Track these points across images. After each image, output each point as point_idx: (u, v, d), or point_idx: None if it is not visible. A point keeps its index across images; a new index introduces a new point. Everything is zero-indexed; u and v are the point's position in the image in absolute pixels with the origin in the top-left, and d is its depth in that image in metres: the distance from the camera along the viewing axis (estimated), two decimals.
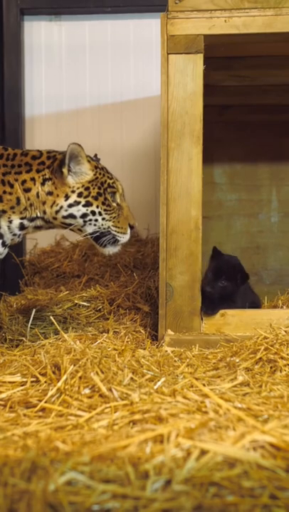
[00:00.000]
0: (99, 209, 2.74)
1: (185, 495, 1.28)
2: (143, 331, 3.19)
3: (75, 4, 4.98)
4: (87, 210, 2.73)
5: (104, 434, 1.70)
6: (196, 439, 1.55)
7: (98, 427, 1.78)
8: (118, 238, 2.82)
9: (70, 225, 2.76)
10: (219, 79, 3.81)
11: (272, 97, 4.27)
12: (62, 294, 3.76)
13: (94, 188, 2.74)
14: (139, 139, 5.02)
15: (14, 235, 2.76)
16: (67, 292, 3.82)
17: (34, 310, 3.30)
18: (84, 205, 2.73)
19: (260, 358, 2.53)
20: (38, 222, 2.77)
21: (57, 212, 2.72)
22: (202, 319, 3.10)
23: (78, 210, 2.72)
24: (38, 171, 2.73)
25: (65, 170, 2.70)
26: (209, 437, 1.57)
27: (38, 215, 2.74)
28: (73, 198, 2.72)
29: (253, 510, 1.23)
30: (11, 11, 4.92)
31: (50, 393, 2.07)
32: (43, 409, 2.01)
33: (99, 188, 2.76)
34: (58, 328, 2.83)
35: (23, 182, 2.72)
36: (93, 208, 2.74)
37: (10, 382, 2.27)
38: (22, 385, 2.23)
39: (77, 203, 2.72)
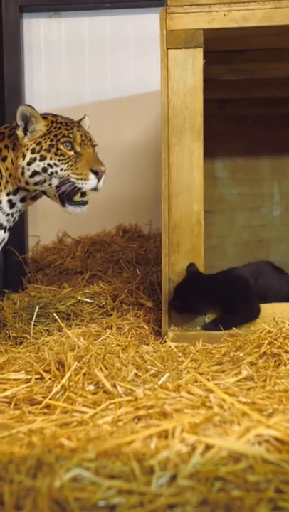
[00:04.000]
0: (53, 160, 2.78)
1: (190, 490, 1.28)
2: (146, 327, 3.19)
3: (74, 0, 4.97)
4: (44, 163, 2.79)
5: (109, 430, 1.70)
6: (200, 434, 1.55)
7: (103, 423, 1.78)
8: (78, 185, 2.79)
9: (42, 182, 2.80)
10: (219, 73, 3.79)
11: (273, 90, 4.26)
12: (65, 291, 3.76)
13: (46, 142, 2.81)
14: (139, 135, 5.01)
15: (7, 215, 2.86)
16: (70, 289, 3.82)
17: (37, 307, 3.30)
18: (40, 160, 2.79)
19: (264, 352, 2.53)
20: (22, 193, 2.86)
21: (22, 174, 2.81)
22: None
23: (38, 166, 2.79)
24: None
25: (18, 131, 2.81)
26: (214, 432, 1.57)
27: (19, 184, 2.83)
28: (28, 155, 2.80)
29: (258, 504, 1.23)
30: (10, 8, 4.91)
31: (54, 390, 2.08)
32: (47, 406, 2.01)
33: (51, 141, 2.81)
34: (62, 324, 2.84)
35: None
36: (48, 160, 2.79)
37: (14, 380, 2.27)
38: (26, 382, 2.23)
39: (34, 159, 2.79)
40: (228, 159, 4.80)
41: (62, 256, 4.55)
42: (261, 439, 1.52)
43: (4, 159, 2.81)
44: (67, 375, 2.14)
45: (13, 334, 3.08)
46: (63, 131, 2.84)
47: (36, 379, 2.25)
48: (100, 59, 5.03)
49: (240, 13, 3.01)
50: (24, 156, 2.79)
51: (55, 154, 2.79)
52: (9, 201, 2.83)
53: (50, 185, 2.80)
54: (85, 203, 2.84)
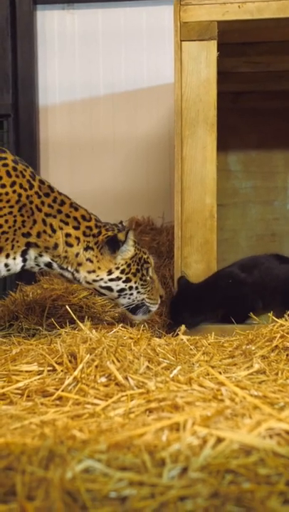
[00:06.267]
0: (136, 284, 2.86)
1: (201, 482, 1.28)
2: (158, 320, 3.19)
3: None
4: (125, 285, 2.85)
5: (121, 422, 1.71)
6: (212, 426, 1.55)
7: (115, 416, 1.79)
8: (150, 308, 2.94)
9: (103, 294, 2.89)
10: (233, 65, 3.78)
11: (287, 83, 4.24)
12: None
13: (134, 265, 2.85)
14: (153, 127, 5.00)
15: (37, 265, 2.83)
16: None
17: (50, 299, 3.31)
18: (124, 281, 2.84)
19: (276, 346, 2.52)
20: (66, 274, 2.84)
21: (94, 281, 2.82)
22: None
23: (117, 285, 2.84)
24: (84, 234, 2.80)
25: (118, 252, 2.80)
26: (225, 425, 1.57)
27: (69, 269, 2.81)
28: (116, 273, 2.82)
29: (269, 497, 1.23)
30: (23, 0, 4.91)
31: (66, 382, 2.09)
32: (59, 398, 2.02)
33: (137, 264, 2.87)
34: (74, 317, 2.85)
35: (67, 235, 2.77)
36: (131, 283, 2.85)
37: (27, 372, 2.28)
38: (39, 374, 2.24)
39: (119, 278, 2.83)
40: (242, 152, 4.78)
41: None
42: (272, 432, 1.52)
43: (69, 245, 2.77)
44: (80, 367, 2.15)
45: (26, 326, 3.09)
46: (143, 255, 2.91)
47: (49, 371, 2.26)
48: (114, 51, 5.03)
49: (255, 5, 2.99)
50: (110, 272, 2.82)
51: (140, 279, 2.87)
52: (50, 263, 2.81)
53: (112, 300, 2.94)
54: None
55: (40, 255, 2.78)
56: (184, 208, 3.07)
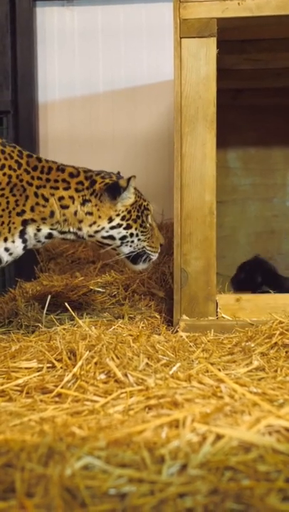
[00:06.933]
0: (137, 231, 2.88)
1: (201, 479, 1.29)
2: (158, 317, 3.19)
3: None
4: (126, 232, 2.86)
5: (120, 419, 1.71)
6: (211, 423, 1.55)
7: (114, 412, 1.79)
8: (151, 256, 2.97)
9: (107, 244, 2.89)
10: (233, 62, 3.77)
11: (287, 80, 4.23)
12: (77, 280, 3.77)
13: (134, 211, 2.87)
14: (152, 124, 5.00)
15: (39, 241, 2.83)
16: (83, 278, 3.83)
17: (49, 296, 3.31)
18: (125, 228, 2.85)
19: (276, 343, 2.53)
20: (69, 236, 2.85)
21: (96, 232, 2.82)
22: (217, 304, 3.10)
23: (119, 233, 2.85)
24: (77, 191, 2.80)
25: (119, 198, 2.81)
26: (225, 422, 1.57)
27: (71, 230, 2.81)
28: (116, 220, 2.83)
29: (268, 494, 1.24)
30: None
31: (66, 379, 2.09)
32: (59, 395, 2.02)
33: (138, 211, 2.89)
34: (73, 314, 2.85)
35: (60, 198, 2.77)
36: (132, 230, 2.87)
37: (26, 368, 2.28)
38: (38, 371, 2.24)
39: (119, 225, 2.84)
40: (241, 149, 4.78)
41: (75, 245, 4.56)
42: (272, 429, 1.52)
43: (65, 207, 2.77)
44: (79, 364, 2.15)
45: (25, 323, 3.09)
46: (143, 202, 2.94)
47: (48, 368, 2.26)
48: (113, 48, 5.02)
49: (255, 2, 2.99)
50: (111, 219, 2.82)
51: (140, 226, 2.90)
52: (49, 233, 2.80)
53: (114, 249, 2.92)
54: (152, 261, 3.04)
55: (39, 229, 2.78)
56: (184, 205, 3.07)
